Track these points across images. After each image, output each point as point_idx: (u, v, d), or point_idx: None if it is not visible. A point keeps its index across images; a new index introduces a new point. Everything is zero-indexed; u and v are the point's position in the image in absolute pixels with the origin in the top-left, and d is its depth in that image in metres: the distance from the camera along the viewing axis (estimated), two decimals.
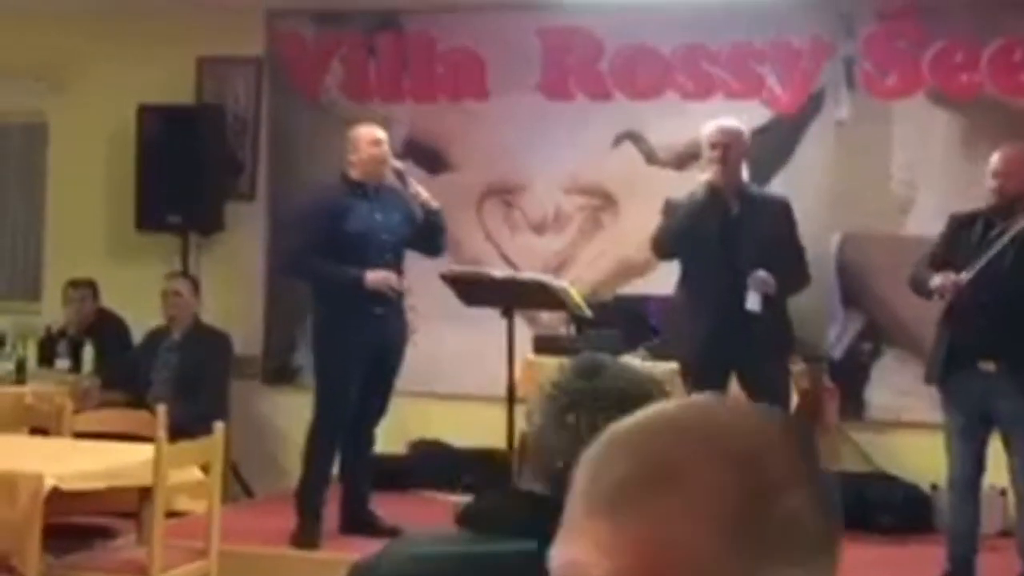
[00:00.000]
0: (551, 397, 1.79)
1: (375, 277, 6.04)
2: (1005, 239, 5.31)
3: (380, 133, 6.21)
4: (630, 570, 0.90)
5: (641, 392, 1.80)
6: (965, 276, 5.30)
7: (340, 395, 6.09)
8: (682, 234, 5.78)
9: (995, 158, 5.51)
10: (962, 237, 5.48)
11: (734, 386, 5.80)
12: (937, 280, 5.38)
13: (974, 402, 5.35)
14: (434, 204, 6.25)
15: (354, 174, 6.13)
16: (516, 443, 5.45)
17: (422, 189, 6.29)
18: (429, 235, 6.26)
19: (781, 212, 5.89)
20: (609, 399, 1.77)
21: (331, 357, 6.08)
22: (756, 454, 0.93)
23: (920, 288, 5.55)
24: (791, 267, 5.83)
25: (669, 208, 5.98)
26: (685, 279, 5.91)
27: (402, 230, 6.17)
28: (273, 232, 7.77)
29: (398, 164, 6.33)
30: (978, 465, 5.41)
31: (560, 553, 0.95)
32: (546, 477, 1.78)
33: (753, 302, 5.66)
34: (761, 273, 5.67)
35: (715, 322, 5.67)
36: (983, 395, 5.32)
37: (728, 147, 5.78)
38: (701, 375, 5.67)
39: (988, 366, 5.34)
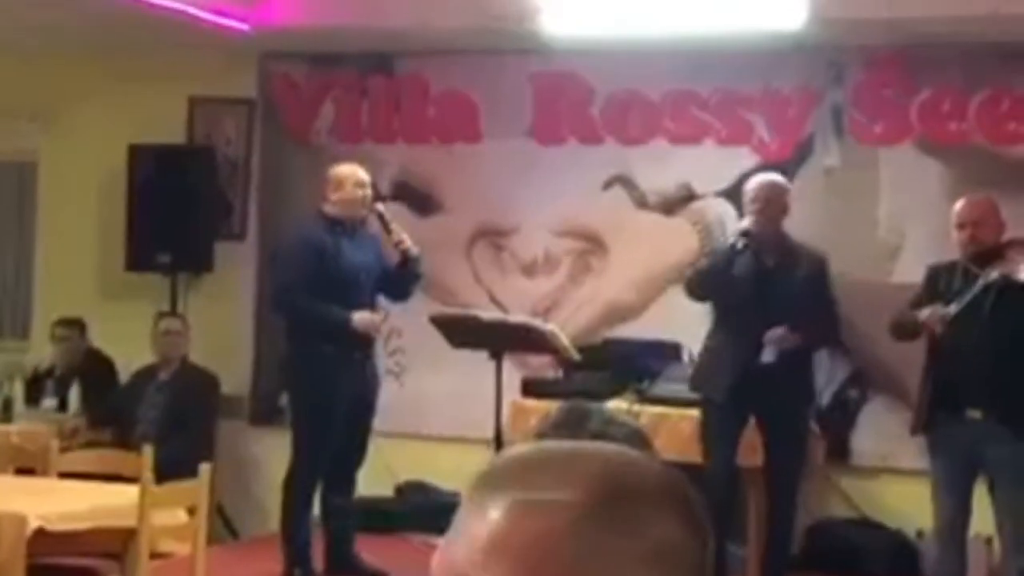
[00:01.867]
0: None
1: (362, 319, 6.05)
2: (979, 284, 5.35)
3: (364, 174, 6.25)
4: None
5: (623, 441, 1.81)
6: (953, 308, 5.34)
7: (319, 438, 6.06)
8: (712, 278, 5.87)
9: (961, 208, 5.55)
10: (940, 288, 5.52)
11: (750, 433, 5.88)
12: (925, 312, 5.43)
13: (961, 450, 5.36)
14: (415, 250, 6.25)
15: (333, 212, 6.15)
16: None
17: (404, 234, 6.30)
18: (402, 280, 6.29)
19: (816, 267, 5.99)
20: None
21: (311, 399, 6.05)
22: (614, 476, 0.98)
23: (903, 328, 5.60)
24: (821, 322, 5.95)
25: (713, 252, 6.12)
26: (717, 324, 6.00)
27: (376, 271, 6.20)
28: (262, 273, 7.78)
29: (381, 207, 6.35)
30: (964, 513, 5.41)
31: (438, 558, 0.99)
32: None
33: (768, 355, 5.76)
34: (779, 331, 5.76)
35: (740, 369, 5.76)
36: (970, 443, 5.33)
37: (768, 201, 5.88)
38: (722, 419, 5.80)
39: (975, 414, 5.35)
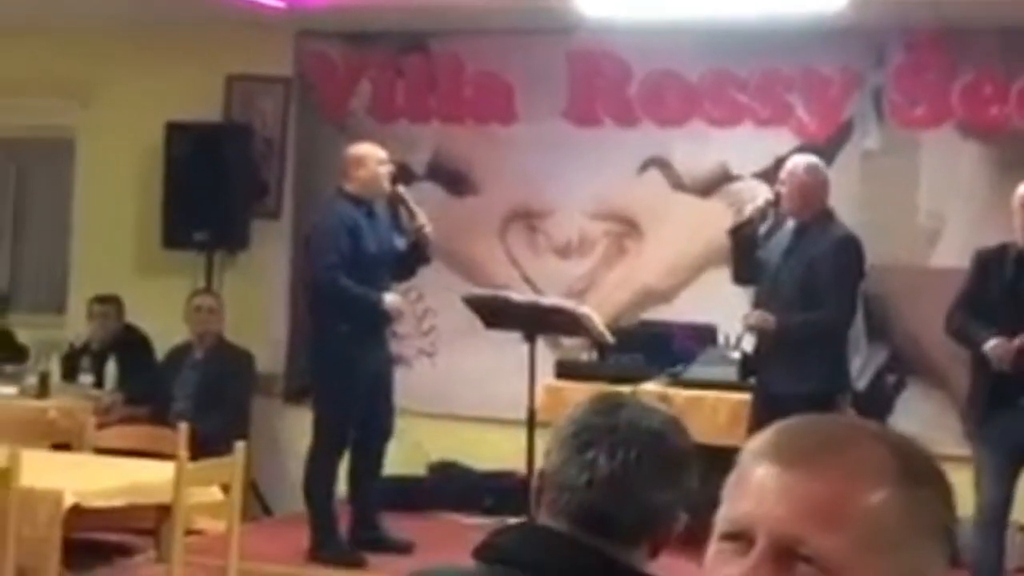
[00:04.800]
0: (570, 434, 1.79)
1: (393, 302, 6.10)
2: None
3: (383, 152, 6.25)
4: (801, 514, 1.07)
5: (659, 429, 1.80)
6: (1018, 341, 5.24)
7: (344, 416, 6.09)
8: (744, 261, 5.91)
9: (1022, 190, 5.45)
10: (992, 273, 5.42)
11: None
12: (990, 344, 5.27)
13: (1011, 439, 5.28)
14: (431, 235, 6.25)
15: (355, 191, 6.15)
16: (535, 477, 5.41)
17: (425, 218, 6.29)
18: (412, 260, 6.30)
19: (832, 246, 5.72)
20: (627, 436, 1.76)
21: (335, 377, 6.07)
22: (901, 441, 1.14)
23: (966, 343, 5.48)
24: (828, 303, 5.68)
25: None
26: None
27: (393, 250, 6.22)
28: (297, 251, 7.79)
29: (403, 190, 6.34)
30: (1007, 502, 5.36)
31: (735, 507, 1.11)
32: (563, 512, 1.77)
33: (747, 343, 5.68)
34: (755, 313, 5.67)
35: (764, 355, 5.71)
36: (1021, 431, 5.26)
37: (782, 183, 5.79)
38: (753, 405, 5.79)
39: None
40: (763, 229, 5.94)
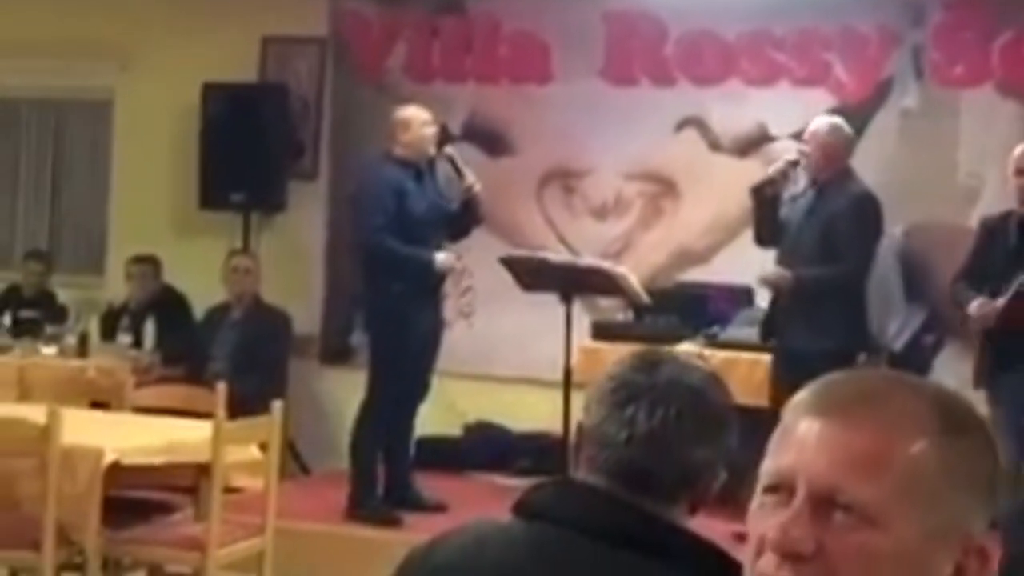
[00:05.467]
0: (609, 390, 1.79)
1: (445, 260, 6.13)
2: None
3: (428, 114, 6.25)
4: (840, 464, 1.08)
5: (699, 386, 1.79)
6: (1002, 301, 5.23)
7: (397, 375, 6.13)
8: (765, 222, 5.91)
9: (1020, 153, 5.38)
10: (997, 241, 5.37)
11: None
12: (974, 304, 5.28)
13: (1020, 399, 5.26)
14: (480, 195, 6.27)
15: (403, 153, 6.17)
16: (573, 433, 5.44)
17: (474, 178, 6.30)
18: (464, 221, 6.31)
19: (850, 204, 5.71)
20: (667, 393, 1.76)
21: (395, 340, 6.10)
22: (941, 393, 1.16)
23: (959, 309, 5.50)
24: (840, 260, 5.67)
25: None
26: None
27: (443, 211, 6.23)
28: (333, 212, 7.80)
29: (451, 151, 6.35)
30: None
31: (777, 460, 1.12)
32: (602, 469, 1.77)
33: (761, 298, 5.70)
34: (772, 268, 5.65)
35: (782, 313, 5.71)
36: None
37: (806, 143, 5.81)
38: (773, 363, 5.83)
39: None
40: (789, 192, 5.92)
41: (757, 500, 1.13)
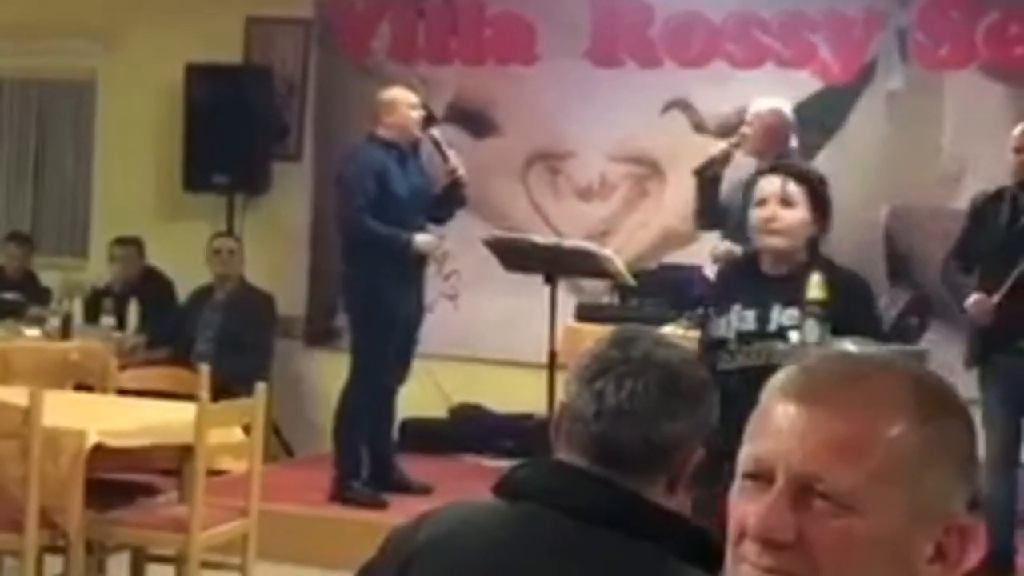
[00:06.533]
0: (585, 367, 1.79)
1: (425, 241, 6.11)
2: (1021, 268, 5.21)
3: (414, 96, 6.25)
4: (818, 451, 1.08)
5: (672, 361, 1.79)
6: (997, 297, 5.23)
7: (380, 359, 6.12)
8: (707, 205, 5.87)
9: (1020, 131, 5.40)
10: (989, 218, 5.37)
11: None
12: (971, 299, 5.29)
13: (1015, 380, 5.29)
14: (465, 177, 6.28)
15: (388, 135, 6.16)
16: (554, 412, 5.43)
17: (458, 160, 6.30)
18: (447, 204, 6.31)
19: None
20: (638, 367, 1.75)
21: (374, 321, 6.10)
22: (919, 373, 1.16)
23: (953, 294, 5.50)
24: None
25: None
26: None
27: (427, 194, 6.23)
28: (318, 194, 7.78)
29: (436, 132, 6.35)
30: (1016, 444, 5.38)
31: (755, 446, 1.12)
32: (578, 445, 1.77)
33: (711, 273, 5.67)
34: (723, 244, 5.68)
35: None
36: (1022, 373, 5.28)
37: (748, 125, 5.78)
38: None
39: None
40: (731, 175, 5.85)
41: (738, 483, 1.13)
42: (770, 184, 3.64)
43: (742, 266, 4.00)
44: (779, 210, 3.58)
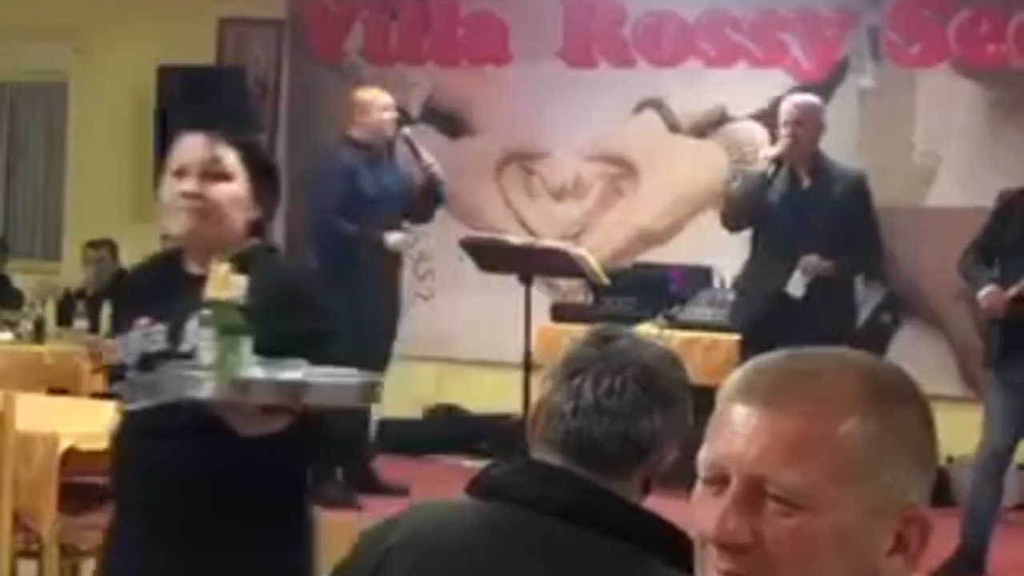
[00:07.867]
0: (563, 364, 1.79)
1: (396, 240, 6.11)
2: None
3: (388, 97, 6.24)
4: (768, 453, 1.08)
5: (648, 359, 1.79)
6: (1012, 291, 5.19)
7: (354, 359, 6.09)
8: (747, 206, 5.69)
9: None
10: (1014, 215, 5.27)
11: None
12: (984, 291, 5.23)
13: (1020, 392, 5.23)
14: (441, 175, 6.27)
15: (360, 136, 6.16)
16: (530, 412, 5.42)
17: (432, 158, 6.30)
18: (425, 204, 6.30)
19: (854, 186, 5.69)
20: (615, 365, 1.76)
21: (347, 320, 6.08)
22: (870, 366, 1.14)
23: (971, 286, 5.43)
24: (860, 246, 5.68)
25: (744, 179, 5.92)
26: (753, 253, 5.78)
27: (402, 194, 6.23)
28: (292, 194, 7.74)
29: (408, 132, 6.35)
30: (1012, 449, 5.34)
31: (710, 451, 1.12)
32: (554, 443, 1.77)
33: (796, 286, 5.54)
34: (812, 258, 5.52)
35: (769, 300, 5.59)
36: None
37: (800, 123, 5.63)
38: (750, 352, 5.62)
39: None
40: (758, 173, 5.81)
41: (698, 488, 1.13)
42: None
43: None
44: None
